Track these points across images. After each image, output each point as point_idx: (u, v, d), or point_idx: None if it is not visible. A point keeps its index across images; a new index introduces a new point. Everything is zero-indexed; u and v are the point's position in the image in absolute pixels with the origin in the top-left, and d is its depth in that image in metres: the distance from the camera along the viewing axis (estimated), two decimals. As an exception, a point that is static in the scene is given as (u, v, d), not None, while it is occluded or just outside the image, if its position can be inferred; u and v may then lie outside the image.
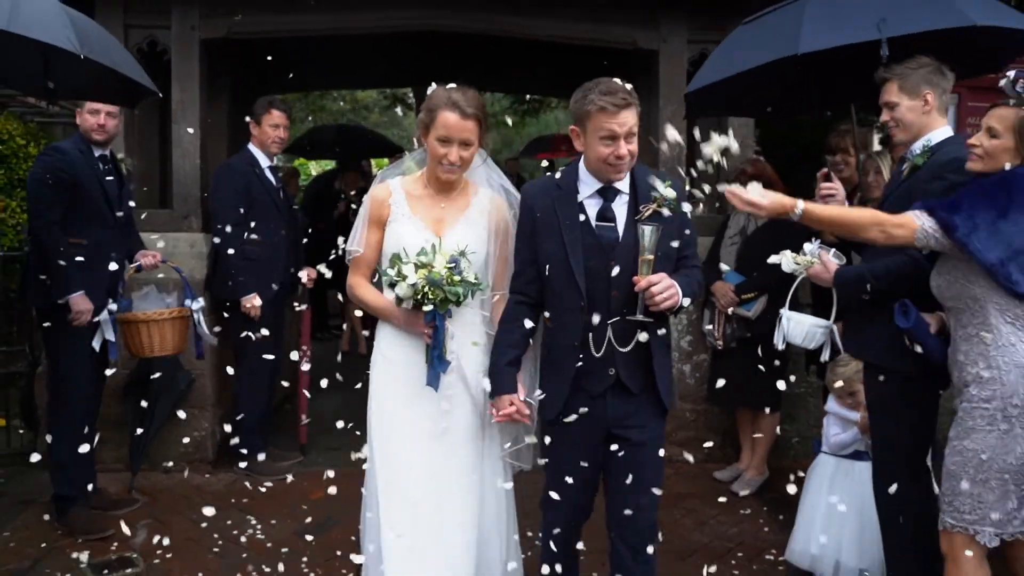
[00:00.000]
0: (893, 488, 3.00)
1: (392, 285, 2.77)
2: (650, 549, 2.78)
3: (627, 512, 2.75)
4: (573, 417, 2.74)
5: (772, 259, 3.25)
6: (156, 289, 4.48)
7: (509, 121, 15.26)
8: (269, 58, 5.22)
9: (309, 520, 4.14)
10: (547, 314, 2.80)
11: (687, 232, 2.79)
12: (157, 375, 4.70)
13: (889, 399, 3.12)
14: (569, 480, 2.78)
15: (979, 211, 2.65)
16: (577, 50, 5.52)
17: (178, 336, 4.38)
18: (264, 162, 4.94)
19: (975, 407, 2.66)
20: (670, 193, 2.70)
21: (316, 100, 17.90)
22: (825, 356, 3.28)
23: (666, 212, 2.69)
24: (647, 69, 5.32)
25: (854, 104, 3.86)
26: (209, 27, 5.00)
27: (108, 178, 4.19)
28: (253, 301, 4.76)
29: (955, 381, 2.80)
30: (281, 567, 3.67)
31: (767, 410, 4.57)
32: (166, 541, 3.84)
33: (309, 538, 3.98)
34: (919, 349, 2.88)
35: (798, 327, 3.23)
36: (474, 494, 2.89)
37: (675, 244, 2.73)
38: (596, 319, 2.69)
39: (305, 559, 3.81)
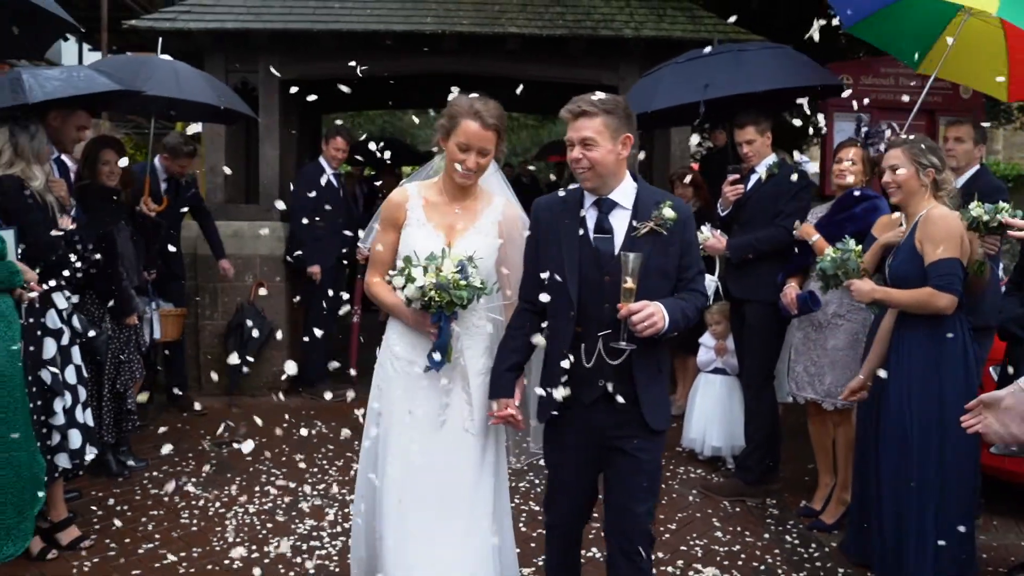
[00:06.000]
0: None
1: (402, 287, 2.83)
2: (644, 554, 2.80)
3: (621, 520, 2.81)
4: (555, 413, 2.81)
5: None
6: None
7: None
8: (322, 91, 6.99)
9: (358, 425, 5.90)
10: (547, 324, 2.84)
11: (689, 254, 2.79)
12: (249, 324, 6.58)
13: (756, 322, 4.76)
14: (564, 482, 2.88)
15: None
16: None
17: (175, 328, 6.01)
18: (329, 170, 6.74)
19: (852, 324, 4.29)
20: (669, 213, 2.72)
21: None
22: (709, 301, 4.93)
23: (664, 232, 2.72)
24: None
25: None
26: (286, 71, 6.78)
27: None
28: (314, 269, 6.55)
29: (834, 310, 4.33)
30: (341, 448, 5.49)
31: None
32: (259, 433, 5.67)
33: (358, 435, 5.74)
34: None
35: None
36: (473, 486, 2.93)
37: (673, 264, 2.75)
38: (587, 330, 2.73)
39: (356, 443, 5.56)
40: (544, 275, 2.76)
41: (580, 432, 2.80)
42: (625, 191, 2.79)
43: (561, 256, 2.75)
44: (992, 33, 4.53)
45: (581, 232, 2.76)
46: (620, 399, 2.72)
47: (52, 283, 3.87)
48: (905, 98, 5.11)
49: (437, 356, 2.85)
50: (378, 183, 11.10)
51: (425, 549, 2.85)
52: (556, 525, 3.00)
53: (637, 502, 2.79)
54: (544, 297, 2.79)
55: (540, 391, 2.84)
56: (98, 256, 4.37)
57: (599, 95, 2.73)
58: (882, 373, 3.47)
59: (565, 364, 2.73)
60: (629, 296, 2.61)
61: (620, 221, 2.76)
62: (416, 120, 12.08)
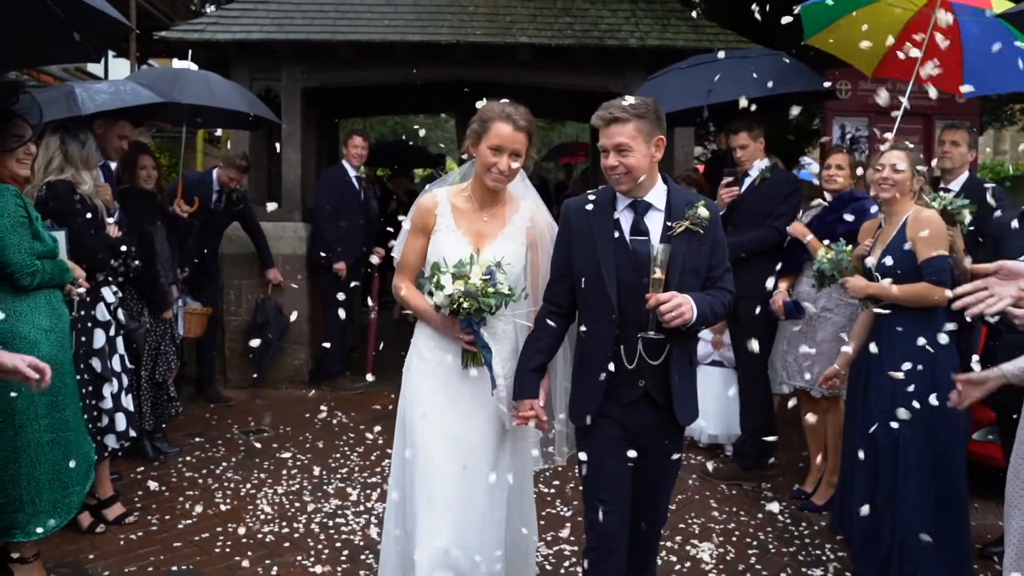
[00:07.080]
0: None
1: (430, 293, 2.85)
2: (659, 536, 3.07)
3: (648, 512, 2.91)
4: (599, 425, 2.81)
5: None
6: None
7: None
8: (339, 98, 7.35)
9: (376, 415, 6.27)
10: (583, 327, 2.84)
11: (718, 252, 2.84)
12: (271, 319, 6.93)
13: (750, 318, 5.03)
14: (610, 489, 2.80)
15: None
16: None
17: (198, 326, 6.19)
18: (351, 172, 7.10)
19: (839, 318, 4.58)
20: (703, 212, 2.75)
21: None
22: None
23: (700, 231, 2.75)
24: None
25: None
26: (308, 80, 7.18)
27: None
28: (340, 266, 6.88)
29: (824, 304, 4.60)
30: (361, 435, 5.82)
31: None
32: (284, 422, 6.02)
33: (377, 423, 6.10)
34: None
35: None
36: (501, 485, 2.99)
37: (705, 262, 2.79)
38: (627, 331, 2.73)
39: (378, 429, 5.92)
40: (580, 280, 2.79)
41: (617, 434, 2.80)
42: (658, 192, 2.81)
43: (597, 259, 2.74)
44: (896, 17, 4.62)
45: (616, 235, 2.77)
46: (659, 398, 2.77)
47: (101, 277, 4.21)
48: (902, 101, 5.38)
49: (491, 368, 2.87)
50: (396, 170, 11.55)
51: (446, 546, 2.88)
52: (602, 546, 2.81)
53: (663, 496, 2.93)
54: (568, 298, 2.86)
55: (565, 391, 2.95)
56: (138, 257, 4.71)
57: (629, 99, 2.74)
58: (873, 348, 3.70)
59: (611, 367, 2.75)
60: (657, 287, 2.65)
61: (655, 222, 2.78)
62: (421, 130, 12.40)
